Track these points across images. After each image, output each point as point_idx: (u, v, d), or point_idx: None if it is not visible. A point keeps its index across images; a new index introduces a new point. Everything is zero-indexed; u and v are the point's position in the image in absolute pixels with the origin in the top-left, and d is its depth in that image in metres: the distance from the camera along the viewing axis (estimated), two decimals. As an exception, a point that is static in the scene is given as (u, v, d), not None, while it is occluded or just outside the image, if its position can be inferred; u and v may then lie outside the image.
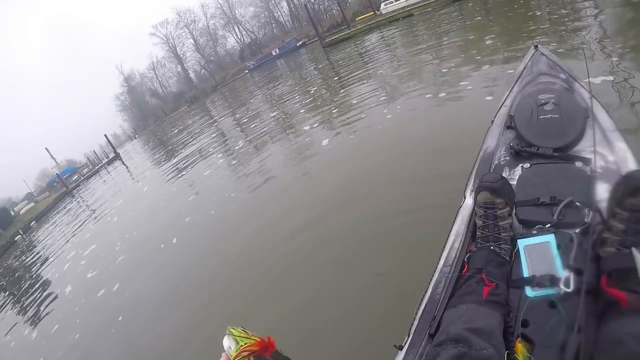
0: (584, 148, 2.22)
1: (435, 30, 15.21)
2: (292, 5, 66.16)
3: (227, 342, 0.91)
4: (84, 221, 13.16)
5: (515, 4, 13.01)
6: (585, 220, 1.71)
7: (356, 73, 12.29)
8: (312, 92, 12.96)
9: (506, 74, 6.18)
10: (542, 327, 1.43)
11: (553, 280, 1.52)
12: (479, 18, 14.35)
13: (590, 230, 1.66)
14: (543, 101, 2.45)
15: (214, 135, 15.28)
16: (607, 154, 2.11)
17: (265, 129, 10.60)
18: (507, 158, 2.42)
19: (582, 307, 1.31)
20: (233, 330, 0.93)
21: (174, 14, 68.99)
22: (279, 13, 68.42)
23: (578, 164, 2.11)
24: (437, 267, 1.88)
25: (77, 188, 29.87)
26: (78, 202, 21.51)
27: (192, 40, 68.95)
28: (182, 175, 10.71)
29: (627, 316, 1.25)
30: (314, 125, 8.32)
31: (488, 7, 16.89)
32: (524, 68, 3.08)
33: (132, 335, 4.18)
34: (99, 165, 35.27)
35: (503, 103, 2.81)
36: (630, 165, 1.95)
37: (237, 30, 68.93)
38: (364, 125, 6.66)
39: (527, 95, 2.66)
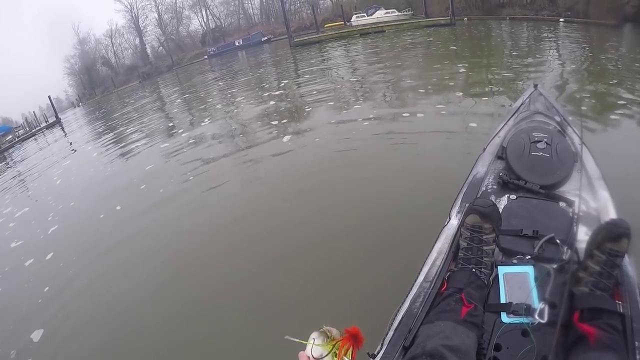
0: (569, 190, 2.33)
1: (407, 51, 15.69)
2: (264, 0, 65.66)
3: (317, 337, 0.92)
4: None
5: (480, 40, 13.65)
6: (563, 257, 1.78)
7: (323, 83, 12.15)
8: (270, 92, 12.62)
9: (485, 104, 6.53)
10: (514, 353, 1.48)
11: (528, 310, 1.58)
12: (455, 48, 15.02)
13: (567, 267, 1.73)
14: (537, 139, 2.56)
15: (160, 118, 14.74)
16: (589, 200, 2.23)
17: (214, 127, 9.88)
18: (495, 187, 2.49)
19: (556, 339, 1.37)
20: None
21: None
22: (249, 4, 67.55)
23: (562, 204, 2.21)
24: (415, 281, 1.90)
25: (10, 149, 27.86)
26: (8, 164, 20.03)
27: (156, 15, 66.15)
28: (123, 153, 10.19)
29: (592, 351, 1.34)
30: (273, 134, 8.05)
31: (455, 38, 17.61)
32: (522, 104, 3.21)
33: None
34: (37, 129, 32.90)
35: (497, 133, 2.92)
36: (611, 214, 2.06)
37: (204, 12, 66.93)
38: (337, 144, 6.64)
39: (521, 130, 2.77)
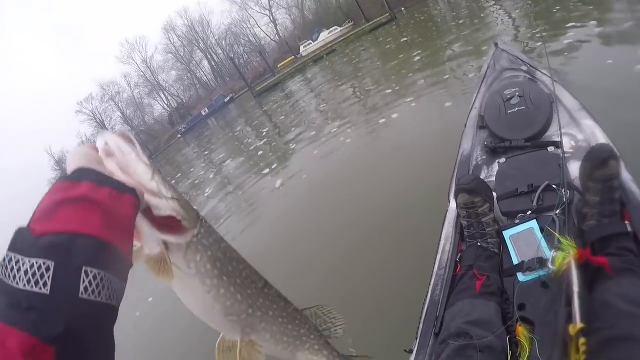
0: (554, 132, 2.38)
1: (363, 60, 15.92)
2: (213, 63, 66.87)
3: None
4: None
5: (426, 22, 13.89)
6: (564, 199, 1.80)
7: (298, 119, 12.20)
8: (253, 146, 12.42)
9: (451, 80, 6.66)
10: (538, 306, 1.51)
11: (541, 262, 1.61)
12: (406, 39, 15.24)
13: (572, 207, 1.79)
14: (509, 96, 2.62)
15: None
16: (576, 134, 2.29)
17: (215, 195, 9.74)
18: (484, 157, 2.56)
19: (576, 280, 1.38)
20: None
21: (97, 88, 66.59)
22: (201, 73, 68.79)
23: (550, 148, 2.27)
24: (433, 270, 1.97)
25: None
26: None
27: (119, 113, 67.12)
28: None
29: (611, 279, 1.38)
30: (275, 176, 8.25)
31: (401, 31, 17.94)
32: (488, 67, 3.27)
33: None
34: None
35: (473, 105, 2.98)
36: (600, 138, 2.10)
37: (162, 96, 68.06)
38: (331, 154, 6.79)
39: (493, 93, 2.83)
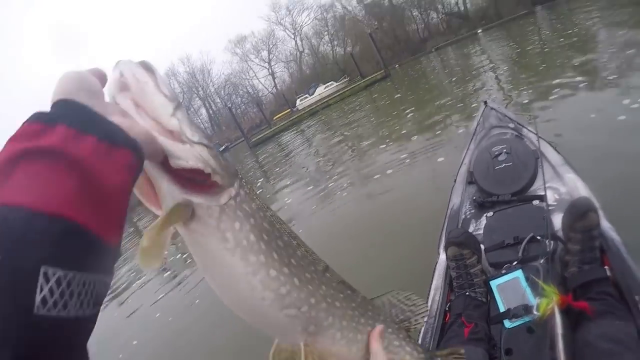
0: (539, 186, 2.49)
1: (358, 115, 16.27)
2: (211, 111, 67.80)
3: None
4: None
5: (419, 79, 14.38)
6: (548, 249, 1.90)
7: (294, 173, 12.15)
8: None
9: (444, 136, 6.82)
10: (524, 350, 1.58)
11: (527, 309, 1.69)
12: (399, 95, 15.68)
13: (555, 256, 1.90)
14: (497, 152, 2.74)
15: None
16: (559, 187, 2.41)
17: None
18: (473, 211, 2.65)
19: (560, 324, 1.48)
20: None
21: None
22: (198, 120, 69.53)
23: (535, 202, 2.37)
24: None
25: None
26: None
27: None
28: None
29: (592, 322, 1.47)
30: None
31: (396, 87, 18.50)
32: (477, 124, 3.42)
33: None
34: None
35: (462, 161, 3.09)
36: (582, 191, 2.23)
37: None
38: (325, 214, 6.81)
39: (482, 149, 2.95)
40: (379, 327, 0.79)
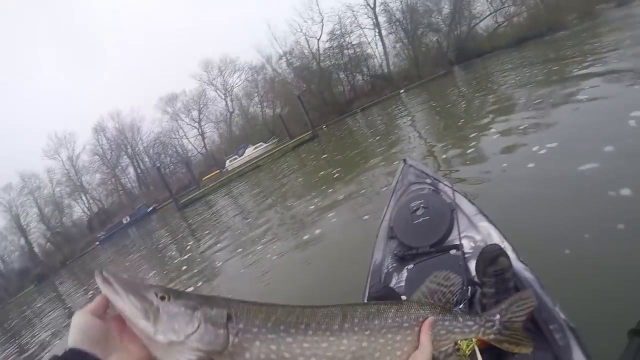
0: (455, 237, 2.65)
1: (287, 176, 16.48)
2: (139, 170, 65.46)
3: None
4: None
5: (345, 139, 14.90)
6: (467, 295, 2.02)
7: (222, 235, 11.81)
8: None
9: (368, 194, 7.10)
10: None
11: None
12: (326, 156, 16.10)
13: (474, 300, 2.01)
14: (415, 207, 2.89)
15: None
16: (474, 235, 2.59)
17: None
18: (394, 265, 2.75)
19: None
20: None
21: (18, 178, 60.81)
22: (126, 179, 66.38)
23: (452, 251, 2.52)
24: None
25: None
26: None
27: (36, 209, 61.36)
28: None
29: (513, 356, 1.55)
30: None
31: (323, 147, 19.02)
32: (397, 182, 3.59)
33: None
34: None
35: (383, 217, 3.24)
36: (494, 237, 2.41)
37: (84, 198, 63.81)
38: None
39: (401, 206, 3.10)
40: (428, 320, 0.85)
